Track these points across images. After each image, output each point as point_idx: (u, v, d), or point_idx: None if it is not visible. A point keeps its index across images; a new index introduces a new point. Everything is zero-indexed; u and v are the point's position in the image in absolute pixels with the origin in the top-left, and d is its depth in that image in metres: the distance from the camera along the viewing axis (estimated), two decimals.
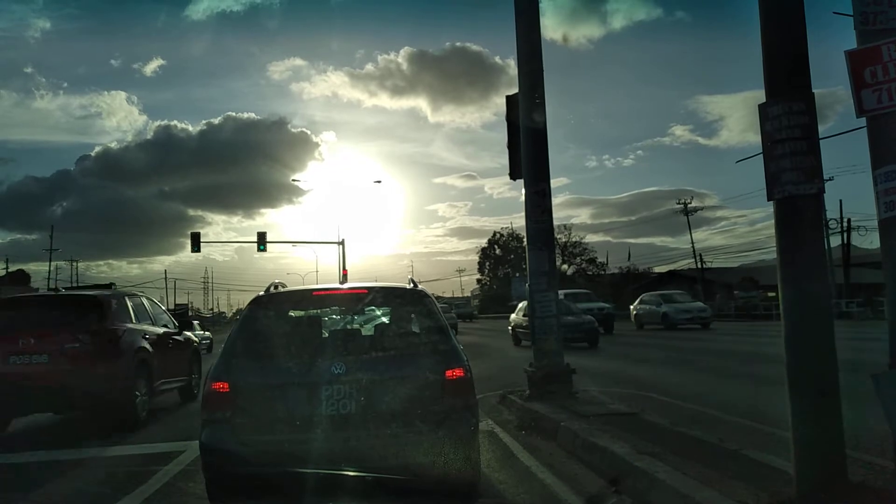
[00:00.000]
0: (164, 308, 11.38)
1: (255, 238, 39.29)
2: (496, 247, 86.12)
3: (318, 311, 5.54)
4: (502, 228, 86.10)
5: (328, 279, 49.02)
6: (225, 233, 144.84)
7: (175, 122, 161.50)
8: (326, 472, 3.86)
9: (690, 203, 54.41)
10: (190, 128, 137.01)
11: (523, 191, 8.79)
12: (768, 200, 3.83)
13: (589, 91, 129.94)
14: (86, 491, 5.32)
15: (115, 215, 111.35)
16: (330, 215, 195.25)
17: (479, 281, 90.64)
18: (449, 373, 4.25)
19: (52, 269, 61.14)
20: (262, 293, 4.98)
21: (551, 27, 76.96)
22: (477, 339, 27.20)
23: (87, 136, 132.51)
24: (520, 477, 5.22)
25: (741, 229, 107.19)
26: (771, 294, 37.01)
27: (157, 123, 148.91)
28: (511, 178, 9.33)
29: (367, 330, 5.61)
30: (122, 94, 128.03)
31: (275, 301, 5.01)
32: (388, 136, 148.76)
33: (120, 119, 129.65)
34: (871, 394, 3.43)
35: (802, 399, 3.67)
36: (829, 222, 40.17)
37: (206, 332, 29.84)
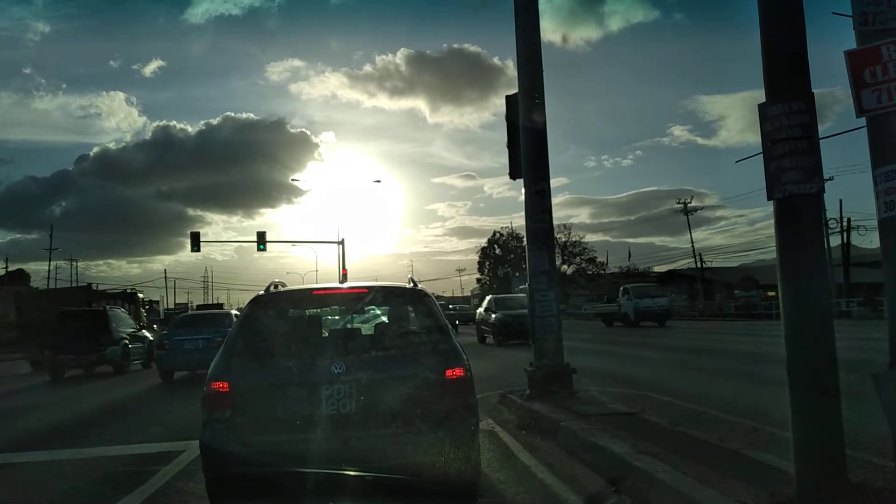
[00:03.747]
0: None
1: (254, 238, 39.31)
2: (496, 246, 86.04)
3: (319, 310, 5.54)
4: (502, 228, 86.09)
5: (328, 279, 48.95)
6: (224, 232, 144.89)
7: (174, 122, 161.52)
8: (326, 471, 3.86)
9: (690, 203, 54.53)
10: (189, 128, 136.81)
11: (523, 191, 8.80)
12: (768, 200, 3.83)
13: (588, 91, 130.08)
14: (86, 491, 5.32)
15: (115, 215, 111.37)
16: (329, 215, 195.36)
17: (478, 280, 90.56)
18: (449, 372, 4.25)
19: (51, 268, 61.11)
20: (262, 292, 4.98)
21: (550, 29, 77.27)
22: (476, 339, 27.15)
23: (87, 137, 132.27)
24: (520, 477, 5.22)
25: (741, 229, 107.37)
26: (771, 293, 37.04)
27: (156, 124, 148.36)
28: (511, 177, 9.34)
29: (367, 329, 5.60)
30: (122, 95, 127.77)
31: (275, 300, 5.00)
32: (388, 137, 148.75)
33: (119, 119, 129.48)
34: (871, 394, 3.43)
35: (802, 399, 3.67)
36: (829, 222, 40.20)
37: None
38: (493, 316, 22.91)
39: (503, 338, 21.82)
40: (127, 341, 18.41)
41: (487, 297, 27.74)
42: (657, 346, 18.61)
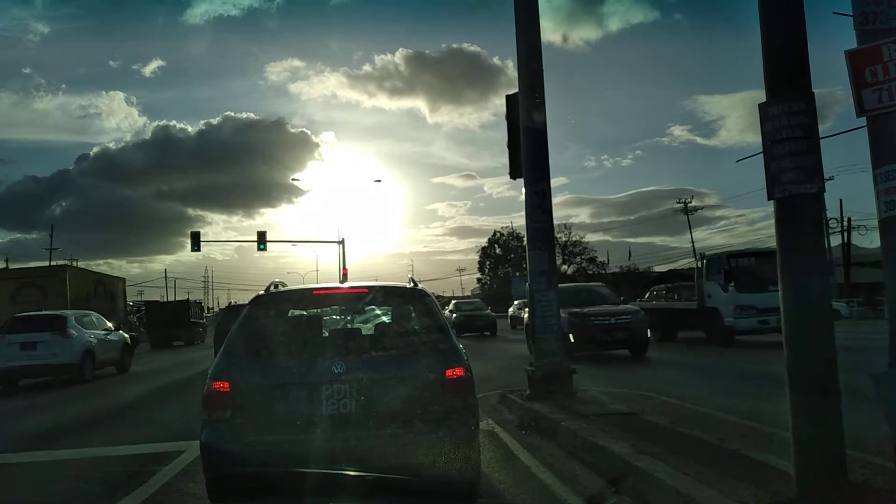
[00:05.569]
0: None
1: (255, 237, 39.28)
2: (496, 246, 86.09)
3: (319, 310, 5.54)
4: (502, 228, 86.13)
5: (328, 278, 49.02)
6: (225, 232, 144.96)
7: (174, 122, 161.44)
8: (327, 471, 3.85)
9: (690, 203, 54.58)
10: (189, 128, 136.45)
11: (523, 190, 8.80)
12: (769, 200, 3.83)
13: (588, 91, 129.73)
14: (86, 491, 5.32)
15: (115, 215, 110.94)
16: (330, 215, 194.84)
17: (479, 280, 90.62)
18: (449, 372, 4.25)
19: None
20: (262, 292, 4.98)
21: (550, 29, 77.09)
22: (476, 339, 27.19)
23: (87, 136, 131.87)
24: (520, 477, 5.22)
25: (741, 229, 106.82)
26: None
27: (156, 123, 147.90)
28: (511, 177, 9.34)
29: (368, 329, 5.60)
30: (122, 95, 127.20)
31: (275, 300, 5.00)
32: (388, 137, 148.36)
33: (119, 119, 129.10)
34: (871, 394, 3.43)
35: (802, 399, 3.67)
36: (830, 222, 40.25)
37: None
38: (454, 316, 29.46)
39: (458, 332, 25.95)
40: None
41: (452, 301, 35.74)
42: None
